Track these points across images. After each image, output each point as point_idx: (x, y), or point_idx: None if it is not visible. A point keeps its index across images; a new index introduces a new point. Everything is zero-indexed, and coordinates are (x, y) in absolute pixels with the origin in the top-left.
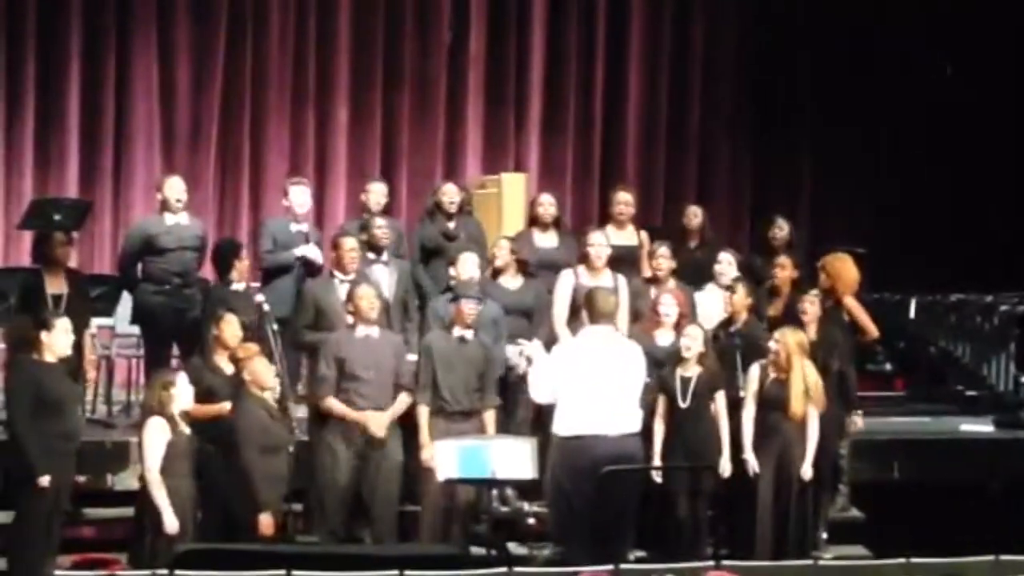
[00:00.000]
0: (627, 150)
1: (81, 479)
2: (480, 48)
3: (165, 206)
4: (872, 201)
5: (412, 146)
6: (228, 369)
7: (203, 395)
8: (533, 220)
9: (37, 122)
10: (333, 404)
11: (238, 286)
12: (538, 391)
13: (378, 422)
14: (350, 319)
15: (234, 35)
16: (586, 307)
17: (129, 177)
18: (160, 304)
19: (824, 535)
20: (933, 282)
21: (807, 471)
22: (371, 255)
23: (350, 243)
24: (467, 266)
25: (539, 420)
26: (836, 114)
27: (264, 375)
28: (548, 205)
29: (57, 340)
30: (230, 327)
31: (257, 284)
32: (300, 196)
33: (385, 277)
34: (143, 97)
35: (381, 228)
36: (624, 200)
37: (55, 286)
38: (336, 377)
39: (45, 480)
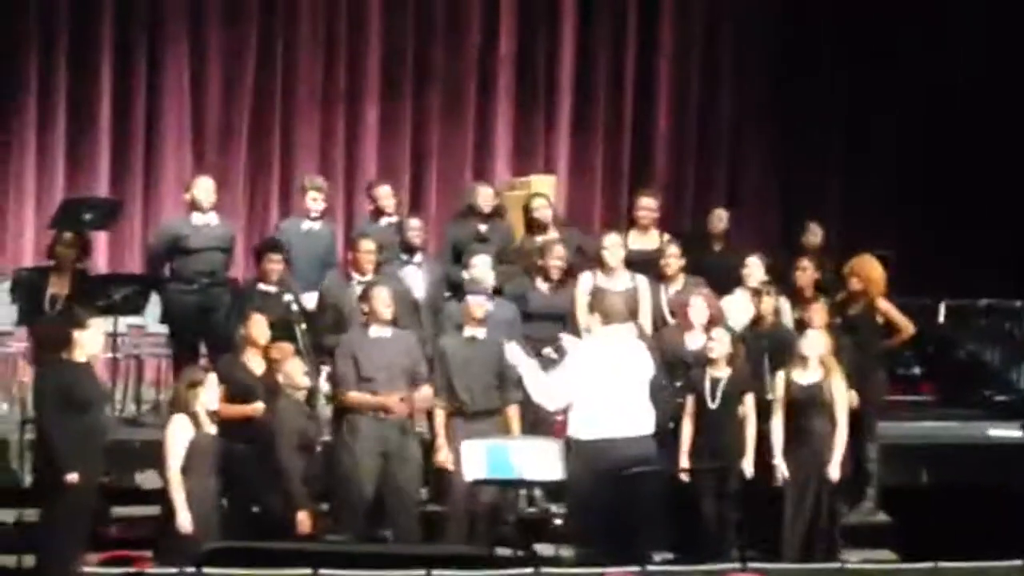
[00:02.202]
0: (656, 152)
1: (109, 477)
2: (510, 49)
3: (194, 206)
4: (902, 204)
5: (441, 147)
6: (258, 368)
7: (233, 394)
8: (529, 226)
9: (69, 122)
10: (356, 397)
11: (268, 287)
12: (542, 396)
13: (399, 404)
14: (363, 319)
15: (265, 36)
16: (594, 309)
17: (159, 177)
18: (189, 304)
19: (861, 540)
20: (962, 286)
21: (835, 472)
22: (404, 256)
23: (367, 244)
24: (480, 266)
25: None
26: (866, 116)
27: (298, 375)
28: (540, 207)
29: (90, 339)
30: (258, 326)
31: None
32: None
33: (418, 278)
34: (174, 98)
35: (415, 229)
36: (646, 205)
37: (58, 286)
38: (355, 374)
39: (73, 477)
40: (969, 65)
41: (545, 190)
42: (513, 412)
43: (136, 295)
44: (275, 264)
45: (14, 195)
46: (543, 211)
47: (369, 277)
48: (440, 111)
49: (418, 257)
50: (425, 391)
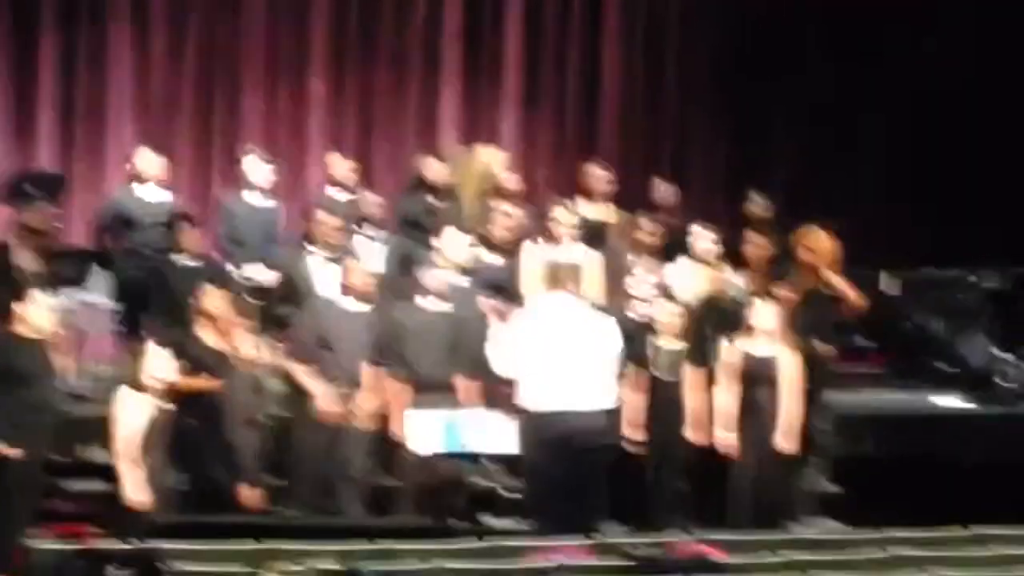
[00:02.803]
0: (603, 124)
1: (58, 453)
2: (456, 20)
3: (138, 178)
4: (849, 176)
5: (388, 119)
6: (211, 341)
7: (188, 368)
8: (507, 194)
9: (11, 95)
10: (299, 370)
11: (188, 261)
12: (495, 361)
13: (328, 399)
14: (334, 292)
15: (210, 7)
16: (546, 277)
17: (104, 150)
18: (135, 277)
19: (806, 508)
20: (909, 258)
21: (785, 444)
22: (356, 228)
23: (331, 219)
24: (453, 242)
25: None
26: (812, 88)
27: (247, 348)
28: (518, 181)
29: (32, 313)
30: (212, 299)
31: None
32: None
33: (376, 252)
34: (117, 69)
35: (374, 204)
36: (596, 174)
37: (27, 261)
38: (312, 346)
39: (10, 450)
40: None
41: (491, 161)
42: (461, 382)
43: (80, 269)
44: (191, 236)
45: None
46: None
47: (331, 252)
48: (386, 83)
49: (373, 230)
50: (369, 375)
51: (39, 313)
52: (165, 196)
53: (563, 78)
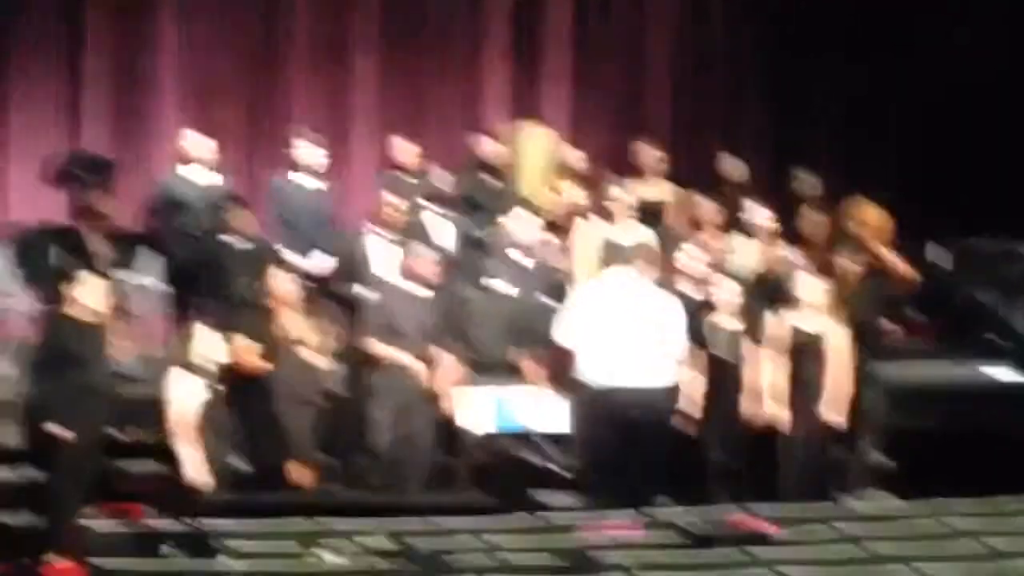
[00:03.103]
0: (651, 101)
1: (113, 433)
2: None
3: (188, 162)
4: (899, 148)
5: (434, 99)
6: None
7: (266, 351)
8: (565, 174)
9: (61, 80)
10: (383, 349)
11: (240, 243)
12: (563, 334)
13: (420, 370)
14: (399, 275)
15: None
16: (618, 256)
17: (154, 134)
18: (186, 260)
19: (861, 482)
20: (960, 229)
21: (834, 417)
22: (428, 207)
23: (396, 200)
24: (519, 222)
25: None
26: (860, 61)
27: (297, 328)
28: (580, 159)
29: (84, 296)
30: (278, 281)
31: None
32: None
33: (447, 231)
34: (167, 52)
35: (445, 182)
36: (649, 153)
37: (97, 245)
38: (383, 328)
39: (63, 431)
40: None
41: (541, 140)
42: (527, 365)
43: (132, 252)
44: (244, 219)
45: (2, 152)
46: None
47: (396, 234)
48: (433, 64)
49: (447, 210)
50: (443, 357)
51: (92, 296)
52: (214, 178)
53: (610, 56)
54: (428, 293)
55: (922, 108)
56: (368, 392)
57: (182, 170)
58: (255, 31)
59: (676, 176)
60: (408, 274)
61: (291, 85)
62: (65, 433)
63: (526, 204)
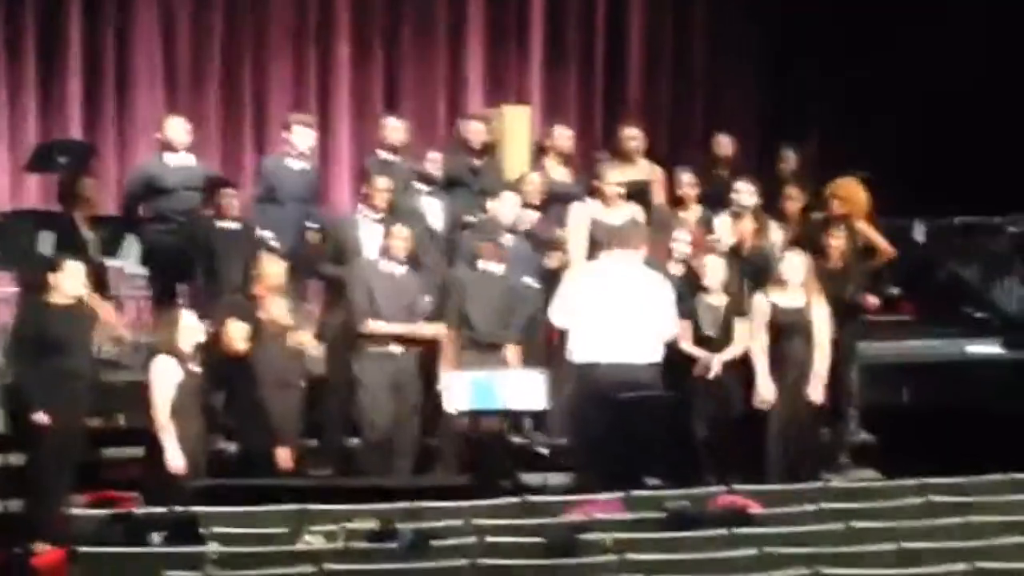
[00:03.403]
0: (630, 81)
1: (94, 420)
2: None
3: (167, 146)
4: (879, 125)
5: (414, 81)
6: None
7: (256, 333)
8: (545, 152)
9: (39, 65)
10: (377, 326)
11: (228, 224)
12: (558, 315)
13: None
14: (379, 253)
15: None
16: (612, 238)
17: (132, 119)
18: (166, 244)
19: (846, 459)
20: (940, 205)
21: (817, 395)
22: (422, 187)
23: (382, 182)
24: (507, 205)
25: (551, 348)
26: (842, 40)
27: (281, 312)
28: (567, 138)
29: (66, 281)
30: (268, 264)
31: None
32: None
33: (437, 209)
34: (145, 38)
35: (434, 162)
36: (631, 135)
37: (80, 228)
38: (367, 305)
39: (43, 416)
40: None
41: (519, 120)
42: (512, 349)
43: (112, 237)
44: (231, 200)
45: None
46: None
47: (382, 215)
48: (412, 45)
49: (433, 188)
50: (436, 325)
51: (74, 281)
52: (194, 162)
53: (589, 34)
54: (403, 270)
55: (906, 83)
56: (354, 374)
57: (164, 155)
58: (232, 15)
59: (658, 155)
60: (385, 252)
61: (271, 69)
62: (42, 417)
63: (512, 186)
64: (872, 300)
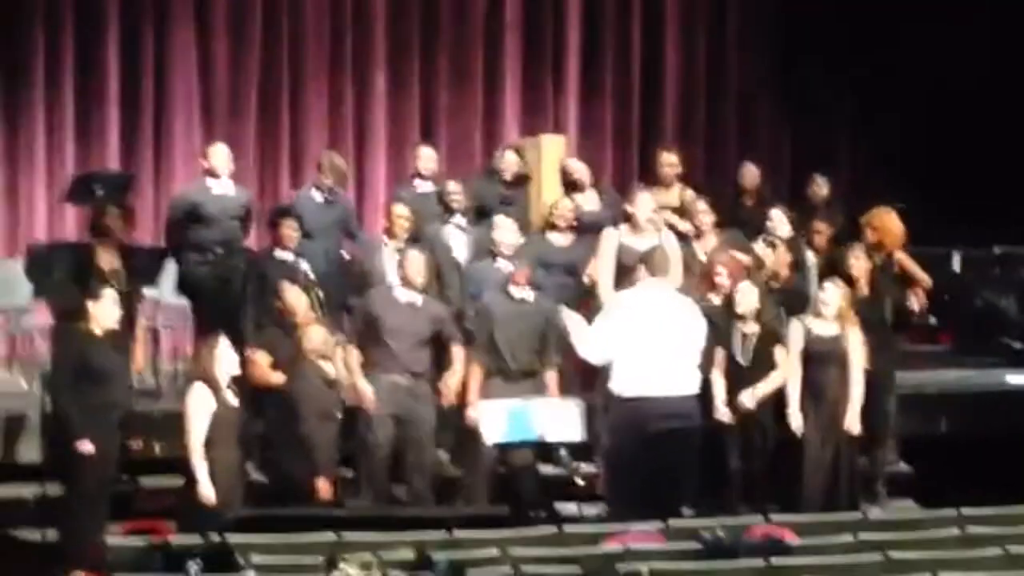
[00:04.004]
0: (666, 110)
1: (136, 445)
2: (516, 11)
3: (210, 173)
4: (913, 154)
5: (450, 111)
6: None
7: (279, 363)
8: (569, 186)
9: (77, 97)
10: (340, 365)
11: (284, 254)
12: (590, 350)
13: (369, 396)
14: (396, 281)
15: (271, 4)
16: (645, 265)
17: (170, 149)
18: (205, 274)
19: (883, 489)
20: (976, 234)
21: (854, 425)
22: (446, 217)
23: (400, 209)
24: (506, 231)
25: (586, 379)
26: (875, 67)
27: (322, 342)
28: (579, 171)
29: (103, 311)
30: (291, 294)
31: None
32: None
33: (460, 240)
34: (182, 69)
35: (454, 193)
36: (668, 161)
37: (107, 261)
38: (363, 333)
39: (87, 446)
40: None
41: (555, 150)
42: (551, 377)
43: (150, 266)
44: (291, 231)
45: (24, 171)
46: (580, 169)
47: (401, 243)
48: (448, 75)
49: (459, 219)
50: (459, 358)
51: (110, 311)
52: (235, 191)
53: (625, 65)
54: (415, 297)
55: (938, 113)
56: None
57: (208, 182)
58: (269, 46)
59: (692, 185)
60: (401, 280)
61: (305, 99)
62: (87, 447)
63: (533, 213)
64: (918, 303)
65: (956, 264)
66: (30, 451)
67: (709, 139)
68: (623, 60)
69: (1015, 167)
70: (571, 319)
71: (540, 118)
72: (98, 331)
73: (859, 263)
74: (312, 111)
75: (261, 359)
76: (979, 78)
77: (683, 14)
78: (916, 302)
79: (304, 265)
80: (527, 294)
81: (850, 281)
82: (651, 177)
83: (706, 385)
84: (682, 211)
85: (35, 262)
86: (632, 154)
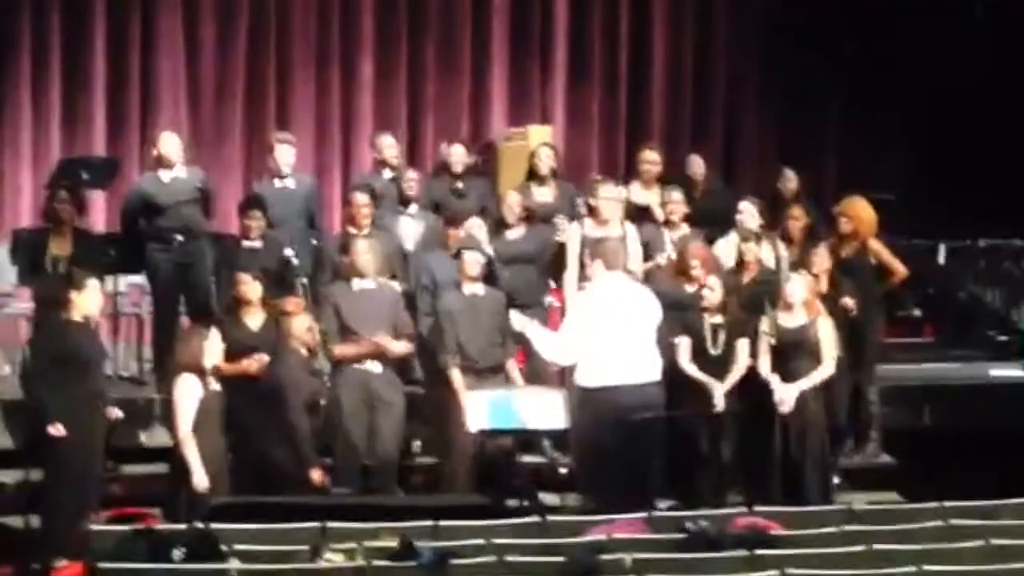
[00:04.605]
0: (653, 102)
1: (113, 415)
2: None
3: (160, 162)
4: (899, 147)
5: (437, 99)
6: (255, 325)
7: (233, 352)
8: (531, 173)
9: (63, 81)
10: (342, 349)
11: (251, 243)
12: (556, 354)
13: (392, 342)
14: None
15: None
16: (597, 257)
17: (156, 135)
18: (164, 261)
19: (836, 480)
20: (962, 227)
21: (784, 407)
22: (400, 207)
23: (360, 198)
24: (473, 227)
25: (561, 372)
26: (865, 61)
27: (306, 332)
28: (545, 157)
29: (86, 300)
30: (246, 284)
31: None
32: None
33: (412, 229)
34: (168, 54)
35: (410, 181)
36: (651, 159)
37: (59, 246)
38: (338, 326)
39: (59, 428)
40: (968, 9)
41: (543, 140)
42: (512, 365)
43: (132, 254)
44: (256, 220)
45: (10, 156)
46: (546, 161)
47: (364, 231)
48: (435, 63)
49: (413, 208)
50: (403, 346)
51: (93, 299)
52: (190, 174)
53: (612, 54)
54: (372, 285)
55: (925, 107)
56: (333, 393)
57: (159, 172)
58: (256, 33)
59: (672, 175)
60: (350, 269)
61: (291, 87)
62: (59, 430)
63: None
64: (849, 302)
65: (941, 256)
66: (12, 437)
67: (695, 131)
68: (611, 49)
69: (1003, 161)
70: (528, 326)
71: (527, 107)
72: (77, 318)
73: (820, 260)
74: (299, 97)
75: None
76: (972, 75)
77: (671, 4)
78: (852, 304)
79: (288, 251)
80: (477, 288)
81: (827, 271)
82: (632, 171)
83: (674, 373)
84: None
85: (22, 248)
86: (619, 144)
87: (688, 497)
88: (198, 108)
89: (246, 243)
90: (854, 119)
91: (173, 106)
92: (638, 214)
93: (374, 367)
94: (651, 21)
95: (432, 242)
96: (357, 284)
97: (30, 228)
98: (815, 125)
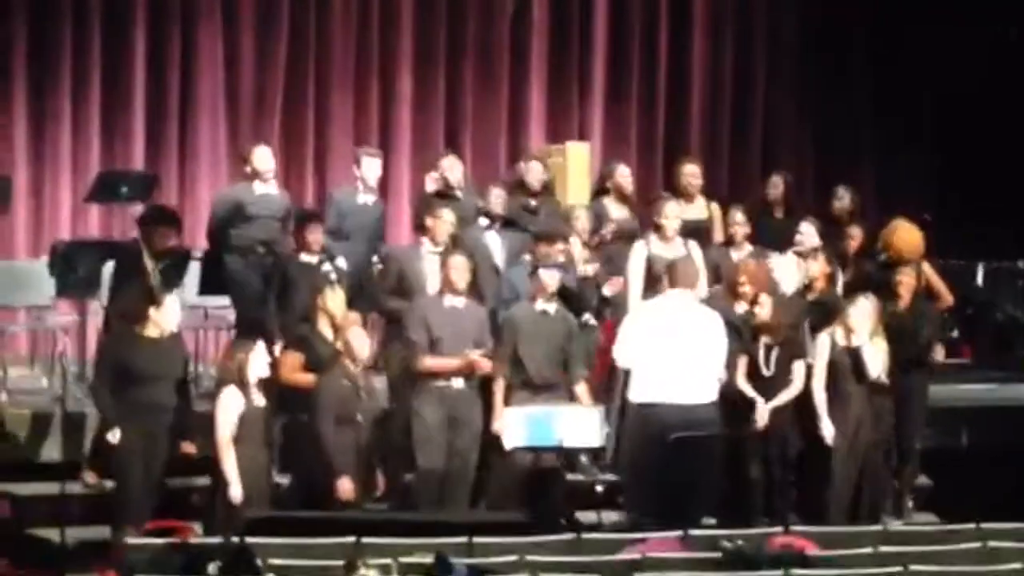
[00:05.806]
0: (691, 120)
1: (189, 448)
2: (543, 16)
3: (254, 176)
4: (937, 167)
5: (476, 116)
6: (330, 338)
7: (311, 364)
8: (606, 191)
9: (103, 95)
10: (431, 362)
11: (309, 257)
12: (621, 354)
13: (481, 359)
14: (437, 287)
15: (298, 6)
16: (668, 276)
17: (194, 149)
18: (245, 272)
19: (910, 503)
20: (1000, 248)
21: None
22: (484, 222)
23: (447, 214)
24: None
25: (609, 385)
26: (898, 81)
27: (360, 347)
28: (628, 176)
29: (164, 316)
30: (333, 299)
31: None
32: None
33: (498, 245)
34: (208, 69)
35: (498, 198)
36: (692, 172)
37: (147, 260)
38: (427, 341)
39: (115, 436)
40: (1003, 30)
41: (580, 157)
42: (582, 389)
43: (176, 268)
44: (317, 235)
45: (50, 169)
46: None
47: (441, 247)
48: (474, 80)
49: (498, 225)
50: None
51: (171, 316)
52: (280, 193)
53: (650, 71)
54: (463, 303)
55: (970, 130)
56: (413, 407)
57: (253, 185)
58: (295, 48)
59: (718, 194)
60: (445, 285)
61: (330, 102)
62: (115, 436)
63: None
64: (940, 355)
65: (980, 277)
66: (51, 450)
67: (734, 149)
68: (650, 66)
69: None
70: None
71: (565, 124)
72: (152, 334)
73: (907, 279)
74: (337, 112)
75: (292, 360)
76: (1016, 94)
77: (710, 23)
78: (939, 354)
79: (326, 267)
80: (549, 306)
81: (886, 294)
82: (674, 188)
83: (729, 393)
84: (704, 223)
85: (59, 260)
86: (656, 161)
87: (736, 518)
88: (237, 122)
89: (304, 257)
90: (892, 138)
91: (212, 119)
92: (687, 230)
93: (457, 383)
94: (690, 39)
95: (514, 258)
96: (448, 300)
97: (123, 242)
98: (853, 143)
